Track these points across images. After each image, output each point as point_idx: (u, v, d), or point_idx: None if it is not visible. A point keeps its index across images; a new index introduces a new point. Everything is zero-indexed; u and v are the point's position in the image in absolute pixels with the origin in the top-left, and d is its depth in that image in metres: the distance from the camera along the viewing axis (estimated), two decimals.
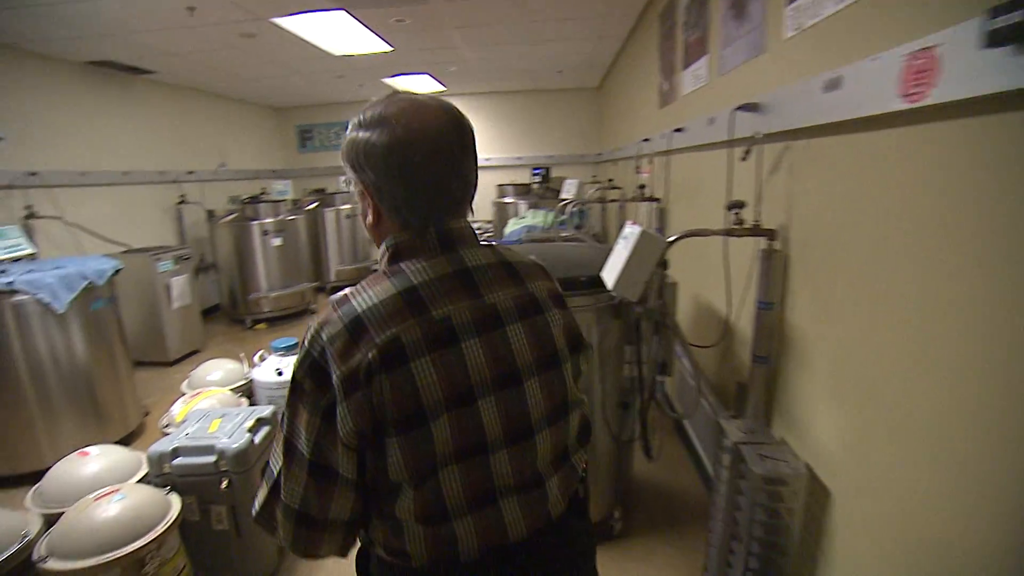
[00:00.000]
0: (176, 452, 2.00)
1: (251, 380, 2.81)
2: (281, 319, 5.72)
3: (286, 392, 0.79)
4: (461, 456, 0.77)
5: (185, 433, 2.06)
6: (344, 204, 6.91)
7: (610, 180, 4.91)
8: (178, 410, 2.40)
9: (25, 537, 1.76)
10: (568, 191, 5.31)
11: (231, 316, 5.73)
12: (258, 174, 7.07)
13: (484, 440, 0.78)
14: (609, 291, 1.71)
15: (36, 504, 1.93)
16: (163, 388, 4.05)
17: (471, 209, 0.91)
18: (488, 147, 7.41)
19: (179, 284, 4.53)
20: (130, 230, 4.99)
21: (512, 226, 5.09)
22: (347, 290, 0.79)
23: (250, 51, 4.40)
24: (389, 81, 6.05)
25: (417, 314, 0.75)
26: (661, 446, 2.33)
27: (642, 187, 3.33)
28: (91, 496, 1.77)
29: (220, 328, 5.64)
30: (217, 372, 2.82)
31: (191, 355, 4.77)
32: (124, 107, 5.00)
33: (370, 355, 0.72)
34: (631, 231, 1.67)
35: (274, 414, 2.26)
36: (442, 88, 6.71)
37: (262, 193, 6.41)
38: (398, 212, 0.82)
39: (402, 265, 0.80)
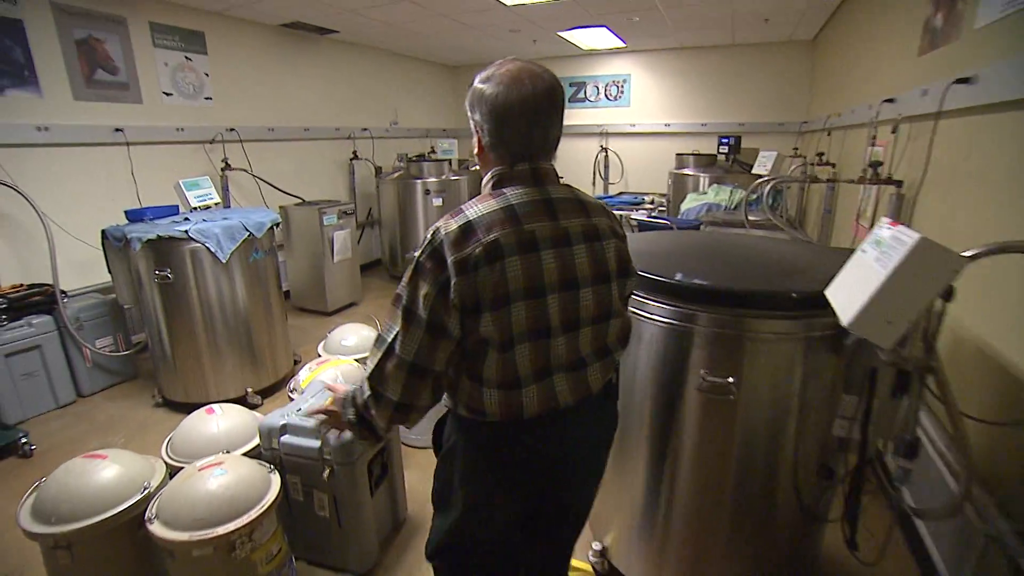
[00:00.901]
0: (284, 429, 1.85)
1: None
2: None
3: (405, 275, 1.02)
4: (531, 336, 1.02)
5: (298, 408, 1.92)
6: None
7: (820, 155, 3.92)
8: (304, 376, 2.30)
9: (145, 489, 1.73)
10: (762, 165, 4.41)
11: (390, 272, 5.90)
12: (428, 132, 7.15)
13: (548, 326, 1.03)
14: (844, 325, 1.11)
15: (167, 453, 1.93)
16: (317, 337, 4.18)
17: (555, 156, 1.12)
18: (668, 111, 6.59)
19: (341, 238, 4.66)
20: (306, 183, 5.28)
21: (690, 202, 4.39)
22: (462, 205, 1.03)
23: (426, 4, 4.22)
24: (565, 35, 5.56)
25: (513, 225, 1.00)
26: (882, 545, 1.65)
27: (875, 164, 2.46)
28: (196, 464, 1.68)
29: (378, 283, 5.83)
30: (352, 338, 2.72)
31: (348, 307, 4.95)
32: (309, 67, 5.23)
33: (477, 250, 0.97)
34: (897, 236, 1.03)
35: None
36: (620, 43, 6.04)
37: (430, 152, 6.44)
38: (494, 148, 1.06)
39: (504, 190, 1.05)
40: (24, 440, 2.80)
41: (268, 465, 1.79)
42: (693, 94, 6.45)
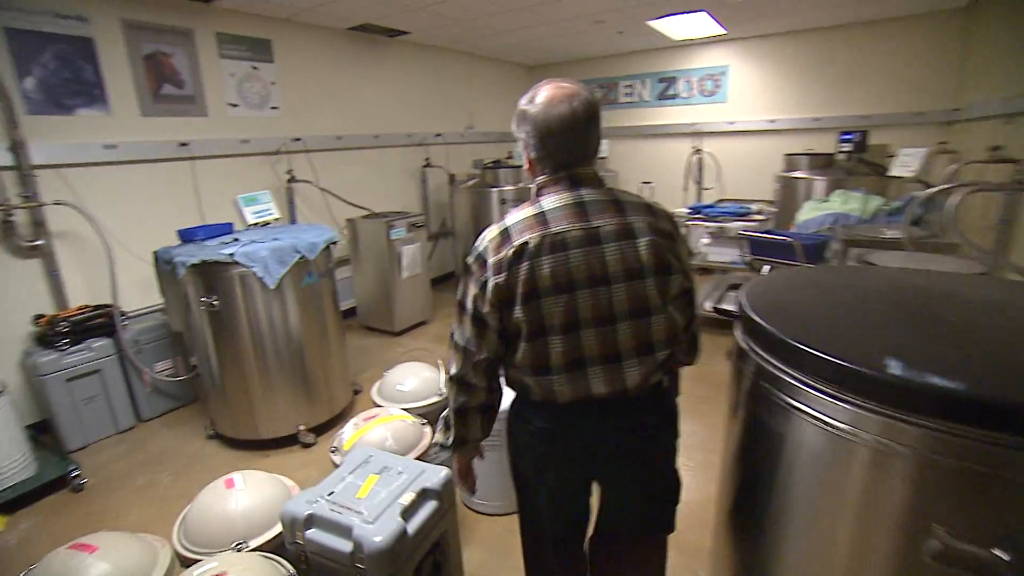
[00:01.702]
0: (311, 521, 1.46)
1: (444, 398, 2.23)
2: None
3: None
4: (562, 329, 1.13)
5: (329, 493, 1.52)
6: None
7: (996, 148, 3.08)
8: (348, 435, 1.92)
9: None
10: (904, 166, 3.61)
11: None
12: (505, 137, 6.75)
13: (577, 319, 1.13)
14: None
15: (179, 539, 1.60)
16: (382, 362, 3.89)
17: (595, 160, 1.21)
18: (772, 106, 5.77)
19: (410, 252, 4.34)
20: (376, 193, 5.02)
21: (810, 212, 3.66)
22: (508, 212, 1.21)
23: None
24: (655, 24, 4.95)
25: (542, 228, 1.12)
26: None
27: None
28: (194, 571, 1.32)
29: (450, 298, 5.44)
30: (410, 381, 2.33)
31: (417, 326, 4.63)
32: (378, 70, 4.97)
33: (510, 252, 1.12)
34: None
35: (446, 485, 1.59)
36: (719, 31, 5.33)
37: (508, 158, 6.04)
38: (539, 160, 1.19)
39: (541, 197, 1.18)
40: (75, 474, 2.65)
41: (287, 568, 1.40)
42: (803, 85, 5.61)
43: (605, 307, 1.12)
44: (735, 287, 1.55)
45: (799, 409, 0.99)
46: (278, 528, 1.56)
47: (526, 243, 1.11)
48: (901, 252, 2.20)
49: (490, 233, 1.19)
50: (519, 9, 4.21)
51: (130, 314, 3.24)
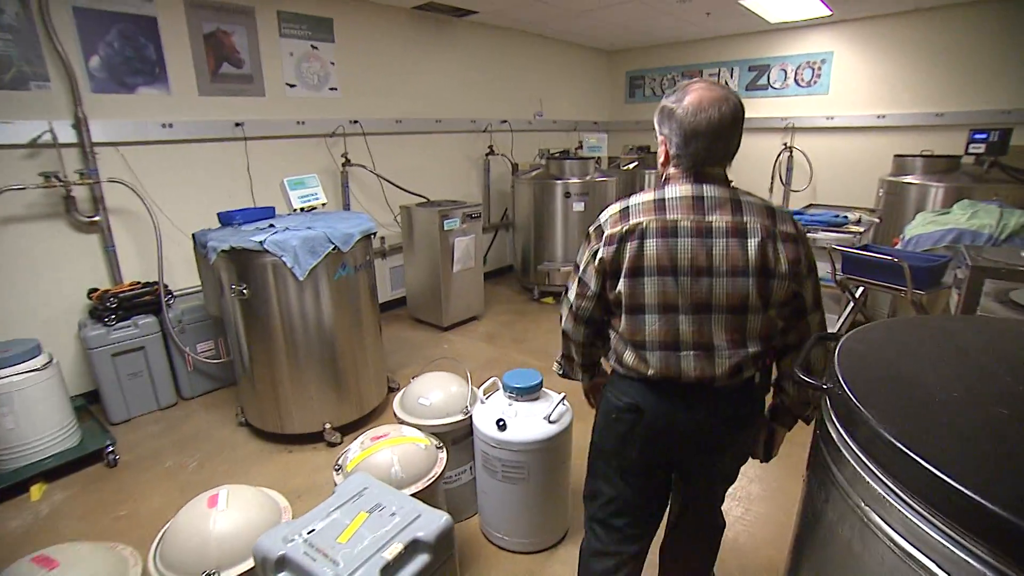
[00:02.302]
0: (282, 564, 1.26)
1: (470, 418, 1.99)
2: None
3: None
4: (660, 309, 1.20)
5: (309, 531, 1.32)
6: None
7: None
8: (353, 454, 1.73)
9: None
10: None
11: (521, 282, 5.28)
12: (577, 125, 6.40)
13: (675, 304, 1.19)
14: None
15: (154, 560, 1.46)
16: (424, 358, 3.72)
17: (730, 163, 1.26)
18: (882, 99, 5.04)
19: (463, 245, 4.13)
20: (434, 180, 4.85)
21: (923, 225, 3.10)
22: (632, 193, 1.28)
23: None
24: (748, 2, 4.41)
25: (658, 213, 1.19)
26: None
27: None
28: None
29: (505, 293, 5.25)
30: (434, 394, 2.10)
31: (467, 322, 4.43)
32: (443, 52, 4.75)
33: (625, 228, 1.21)
34: None
35: (443, 535, 1.35)
36: (824, 11, 4.69)
37: (578, 148, 5.69)
38: (677, 157, 1.22)
39: (664, 186, 1.23)
40: (111, 449, 2.66)
41: None
42: (922, 74, 4.84)
43: (704, 297, 1.18)
44: (827, 339, 1.16)
45: (896, 544, 0.66)
46: (249, 564, 1.38)
47: (640, 223, 1.20)
48: None
49: (612, 209, 1.27)
50: None
51: (176, 293, 3.24)
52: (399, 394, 2.21)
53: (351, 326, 2.78)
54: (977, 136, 3.92)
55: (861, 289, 3.03)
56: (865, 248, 2.94)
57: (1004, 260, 2.08)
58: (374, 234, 2.87)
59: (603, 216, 1.28)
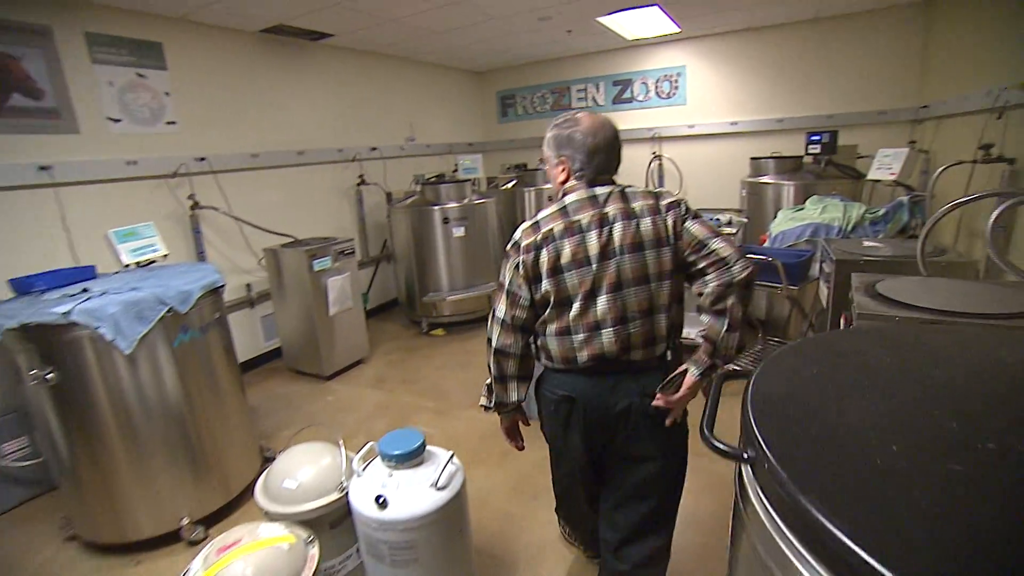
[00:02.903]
0: None
1: (346, 496, 1.69)
2: (462, 324, 4.78)
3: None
4: (582, 297, 1.36)
5: None
6: (548, 184, 5.70)
7: (987, 147, 2.73)
8: (196, 569, 1.37)
9: None
10: (884, 168, 3.27)
11: (408, 315, 4.98)
12: (452, 148, 6.25)
13: (594, 289, 1.36)
14: None
15: None
16: (306, 416, 3.32)
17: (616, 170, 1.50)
18: (733, 107, 5.45)
19: (338, 285, 3.78)
20: (302, 217, 4.44)
21: (784, 223, 3.26)
22: (537, 211, 1.47)
23: None
24: (606, 21, 4.55)
25: (564, 218, 1.38)
26: None
27: None
28: None
29: (392, 330, 4.92)
30: (304, 471, 1.77)
31: (353, 367, 4.06)
32: (301, 79, 4.41)
33: (539, 236, 1.39)
34: None
35: None
36: (674, 28, 4.97)
37: (455, 171, 5.53)
38: (580, 171, 1.44)
39: (564, 197, 1.43)
40: None
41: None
42: (764, 85, 5.30)
43: (615, 276, 1.34)
44: (734, 375, 1.04)
45: None
46: None
47: (551, 229, 1.37)
48: (914, 277, 1.79)
49: (524, 225, 1.44)
50: (444, 5, 3.72)
51: None
52: (261, 478, 1.85)
53: (205, 397, 2.35)
54: (813, 138, 4.29)
55: None
56: (750, 250, 3.04)
57: (860, 252, 2.18)
58: (222, 287, 2.47)
59: (517, 233, 1.45)
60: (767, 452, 0.65)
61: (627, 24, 4.71)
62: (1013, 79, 2.83)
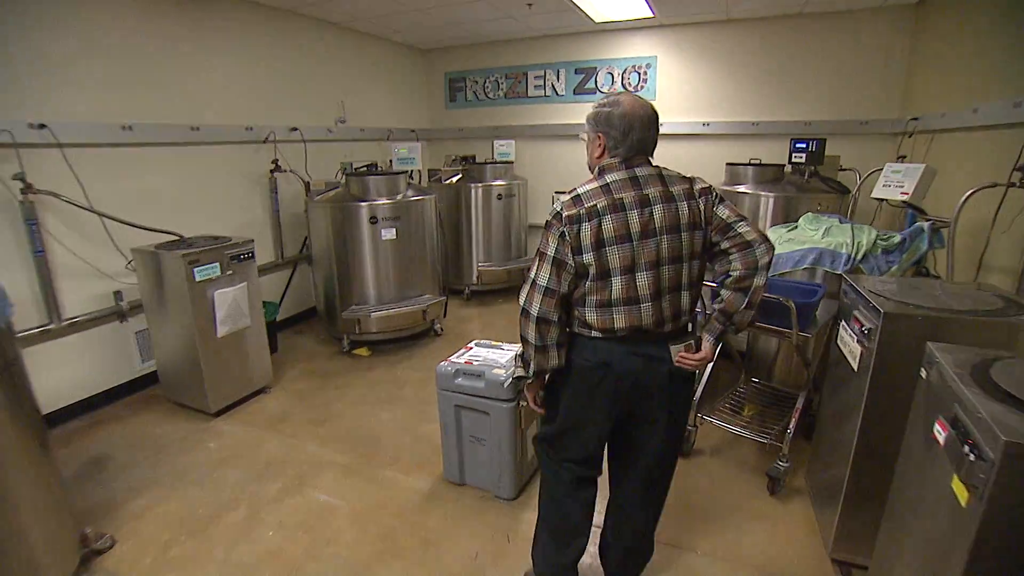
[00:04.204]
0: None
1: None
2: (391, 343, 4.06)
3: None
4: (623, 272, 1.43)
5: None
6: (498, 180, 5.02)
7: (1022, 171, 2.26)
8: None
9: None
10: (894, 187, 2.79)
11: (328, 330, 4.20)
12: (391, 134, 5.47)
13: (634, 264, 1.43)
14: None
15: None
16: (171, 472, 2.54)
17: (652, 151, 1.52)
18: (706, 106, 4.94)
19: (228, 299, 2.98)
20: (198, 209, 3.61)
21: (779, 244, 2.72)
22: (576, 186, 1.50)
23: None
24: None
25: (607, 195, 1.43)
26: None
27: None
28: None
29: (308, 346, 4.14)
30: None
31: (251, 398, 3.27)
32: (195, 35, 3.52)
33: (582, 211, 1.42)
34: None
35: None
36: (647, 13, 4.41)
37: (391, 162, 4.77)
38: (615, 148, 1.48)
39: (604, 175, 1.47)
40: None
41: None
42: (740, 83, 4.82)
43: (654, 254, 1.43)
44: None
45: None
46: None
47: (595, 204, 1.43)
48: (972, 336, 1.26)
49: (564, 198, 1.48)
50: None
51: None
52: None
53: None
54: (799, 145, 3.81)
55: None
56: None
57: (917, 302, 1.62)
58: (10, 315, 1.67)
59: (557, 205, 1.48)
60: None
61: (596, 2, 4.09)
62: None
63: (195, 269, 2.81)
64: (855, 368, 1.77)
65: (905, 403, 1.47)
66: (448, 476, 2.41)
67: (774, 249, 1.46)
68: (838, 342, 2.00)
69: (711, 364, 2.64)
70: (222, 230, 3.52)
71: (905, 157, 3.90)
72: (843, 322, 1.95)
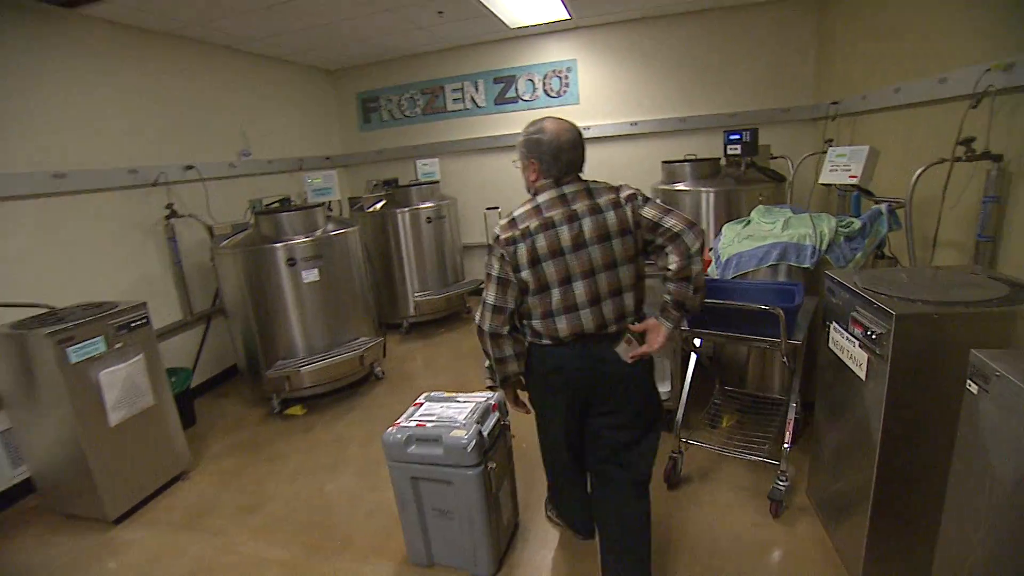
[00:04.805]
0: None
1: None
2: (328, 396, 3.60)
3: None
4: (559, 283, 1.58)
5: None
6: (425, 203, 4.68)
7: (967, 142, 2.19)
8: None
9: None
10: (840, 170, 2.70)
11: (253, 391, 3.68)
12: (303, 164, 5.01)
13: (569, 275, 1.58)
14: None
15: None
16: None
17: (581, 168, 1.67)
18: (632, 106, 4.84)
19: (119, 380, 2.47)
20: (71, 272, 3.03)
21: (737, 243, 2.56)
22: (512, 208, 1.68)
23: None
24: (485, 0, 3.67)
25: (538, 216, 1.59)
26: None
27: None
28: None
29: (233, 410, 3.62)
30: None
31: (163, 490, 2.74)
32: (64, 68, 3.00)
33: (516, 233, 1.59)
34: None
35: None
36: (563, 15, 4.24)
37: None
38: (548, 171, 1.62)
39: (537, 196, 1.63)
40: None
41: None
42: (663, 80, 4.75)
43: (587, 263, 1.56)
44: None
45: None
46: None
47: (528, 226, 1.58)
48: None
49: (501, 221, 1.64)
50: None
51: None
52: None
53: None
54: (732, 137, 3.74)
55: (698, 341, 2.37)
56: (714, 285, 2.26)
57: (927, 299, 1.44)
58: None
59: (496, 229, 1.65)
60: None
61: (510, 6, 3.87)
62: (962, 61, 2.38)
63: (68, 349, 2.28)
64: (862, 377, 1.57)
65: (929, 412, 1.36)
66: (414, 559, 2.02)
67: (703, 232, 1.58)
68: (830, 345, 1.81)
69: (687, 387, 2.43)
70: (109, 294, 2.97)
71: (832, 140, 3.91)
72: (835, 324, 1.77)
